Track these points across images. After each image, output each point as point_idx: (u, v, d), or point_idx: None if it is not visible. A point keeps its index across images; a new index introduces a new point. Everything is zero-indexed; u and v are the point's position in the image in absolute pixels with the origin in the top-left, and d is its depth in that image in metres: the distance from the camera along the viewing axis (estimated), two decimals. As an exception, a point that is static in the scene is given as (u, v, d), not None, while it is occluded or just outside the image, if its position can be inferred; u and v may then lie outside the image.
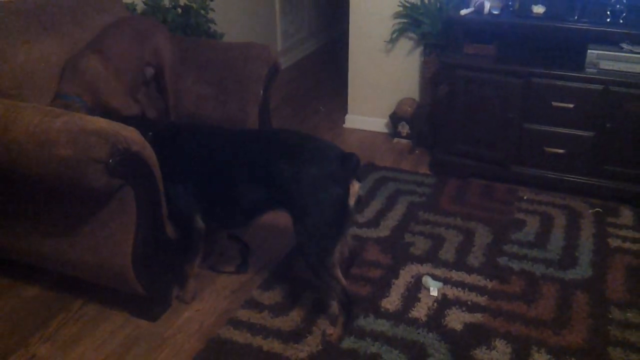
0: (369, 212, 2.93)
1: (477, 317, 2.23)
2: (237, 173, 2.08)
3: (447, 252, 2.62)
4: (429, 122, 3.57)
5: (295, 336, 2.14)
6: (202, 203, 2.18)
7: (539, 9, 2.98)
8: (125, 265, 2.06)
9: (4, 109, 1.90)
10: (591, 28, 2.85)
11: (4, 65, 2.20)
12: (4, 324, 2.23)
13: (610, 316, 2.24)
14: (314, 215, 1.95)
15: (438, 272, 2.48)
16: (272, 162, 2.00)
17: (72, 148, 1.78)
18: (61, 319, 2.25)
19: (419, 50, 3.64)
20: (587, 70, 2.87)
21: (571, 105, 2.90)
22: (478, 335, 2.14)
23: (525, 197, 3.07)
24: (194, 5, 3.21)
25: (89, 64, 2.39)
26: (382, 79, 3.82)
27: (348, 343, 2.10)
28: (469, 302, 2.31)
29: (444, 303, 2.30)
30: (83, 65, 2.38)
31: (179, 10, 3.18)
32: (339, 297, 2.05)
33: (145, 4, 3.09)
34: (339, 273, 2.04)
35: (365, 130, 3.97)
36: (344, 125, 4.06)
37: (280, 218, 2.24)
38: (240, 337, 2.14)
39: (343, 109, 4.11)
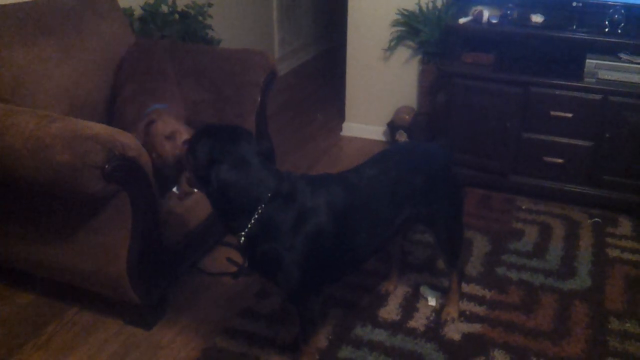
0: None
1: (476, 327, 2.21)
2: (382, 209, 1.94)
3: (445, 262, 2.60)
4: (427, 130, 3.56)
5: (292, 346, 2.11)
6: (345, 260, 1.92)
7: (537, 18, 2.98)
8: (120, 272, 2.03)
9: (0, 114, 1.88)
10: (590, 38, 2.86)
11: (0, 69, 2.17)
12: (-4, 332, 2.21)
13: (609, 327, 2.22)
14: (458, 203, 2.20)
15: (436, 281, 2.47)
16: (412, 178, 2.03)
17: (67, 153, 1.76)
18: (54, 326, 2.22)
19: (417, 58, 3.64)
20: (586, 79, 2.87)
21: (570, 115, 2.89)
22: (476, 346, 2.12)
23: (523, 207, 3.06)
24: (192, 11, 3.21)
25: None
26: (379, 87, 3.81)
27: (345, 353, 2.08)
28: (467, 312, 2.29)
29: (442, 313, 2.28)
30: None
31: (177, 16, 3.17)
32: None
33: (143, 9, 3.08)
34: None
35: (362, 139, 3.95)
36: (341, 133, 4.05)
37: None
38: (236, 346, 2.11)
39: (340, 116, 4.10)
